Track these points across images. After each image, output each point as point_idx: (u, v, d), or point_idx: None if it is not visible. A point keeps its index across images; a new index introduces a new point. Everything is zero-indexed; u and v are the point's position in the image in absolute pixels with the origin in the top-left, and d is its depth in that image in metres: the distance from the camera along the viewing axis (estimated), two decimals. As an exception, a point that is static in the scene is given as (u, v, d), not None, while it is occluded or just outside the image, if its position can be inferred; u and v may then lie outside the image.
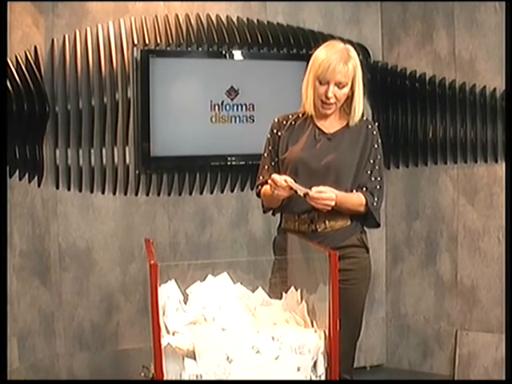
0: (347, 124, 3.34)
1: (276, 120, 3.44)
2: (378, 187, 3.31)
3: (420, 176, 5.07)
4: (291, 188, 3.10)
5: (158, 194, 4.79)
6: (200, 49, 4.78)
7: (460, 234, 4.90)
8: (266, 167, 3.40)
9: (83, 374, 4.70)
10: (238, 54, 4.83)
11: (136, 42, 4.62)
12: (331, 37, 4.87)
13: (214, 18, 4.80)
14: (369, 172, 3.31)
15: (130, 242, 4.76)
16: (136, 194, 4.75)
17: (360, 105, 3.31)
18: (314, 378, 2.61)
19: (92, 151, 4.61)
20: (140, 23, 4.64)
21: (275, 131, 3.40)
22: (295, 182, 3.14)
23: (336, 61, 3.19)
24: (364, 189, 3.29)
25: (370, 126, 3.37)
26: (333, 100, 3.24)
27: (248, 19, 4.88)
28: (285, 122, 3.40)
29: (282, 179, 3.11)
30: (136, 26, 4.63)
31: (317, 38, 4.89)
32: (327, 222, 3.27)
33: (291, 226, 3.34)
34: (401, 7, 5.10)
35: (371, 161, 3.32)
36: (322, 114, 3.33)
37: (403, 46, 5.11)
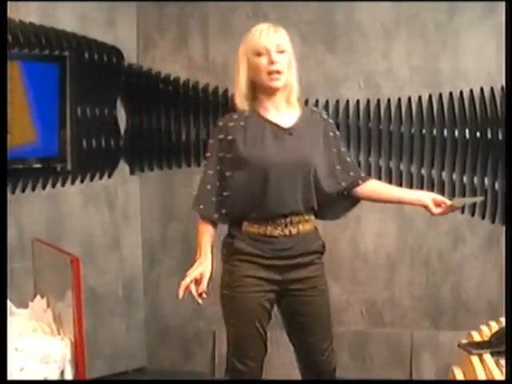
0: (300, 115, 3.17)
1: (221, 124, 3.17)
2: (357, 165, 3.36)
3: (174, 178, 5.13)
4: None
5: None
6: None
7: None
8: (212, 175, 3.21)
9: None
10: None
11: None
12: (85, 38, 4.82)
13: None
14: (348, 160, 3.26)
15: None
16: None
17: (295, 79, 3.12)
18: (61, 388, 2.57)
19: None
20: None
21: (221, 136, 3.14)
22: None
23: (266, 28, 3.06)
24: (361, 177, 3.27)
25: (325, 116, 3.26)
26: (280, 66, 3.03)
27: None
28: (232, 124, 3.13)
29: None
30: None
31: (70, 39, 4.80)
32: (300, 225, 3.15)
33: (260, 230, 3.13)
34: (157, 10, 5.13)
35: (342, 149, 3.26)
36: (272, 90, 3.08)
37: (159, 50, 5.14)
